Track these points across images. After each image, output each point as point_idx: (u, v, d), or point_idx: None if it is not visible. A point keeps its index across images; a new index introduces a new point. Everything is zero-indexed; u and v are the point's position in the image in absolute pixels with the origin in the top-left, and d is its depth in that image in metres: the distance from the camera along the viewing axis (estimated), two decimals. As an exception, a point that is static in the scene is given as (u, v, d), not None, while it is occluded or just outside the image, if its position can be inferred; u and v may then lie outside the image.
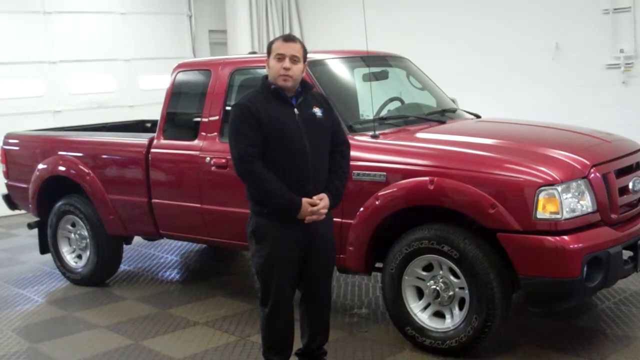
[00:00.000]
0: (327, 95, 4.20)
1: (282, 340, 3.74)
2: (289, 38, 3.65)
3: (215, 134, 5.10)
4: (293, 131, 3.54)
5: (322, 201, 3.57)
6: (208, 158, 5.04)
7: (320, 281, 3.77)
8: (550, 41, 8.37)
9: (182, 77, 5.55)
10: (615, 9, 7.91)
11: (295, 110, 3.59)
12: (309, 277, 3.71)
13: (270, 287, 3.62)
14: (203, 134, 5.16)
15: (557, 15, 8.37)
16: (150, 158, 5.45)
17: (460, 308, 4.07)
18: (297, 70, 3.57)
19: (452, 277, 4.07)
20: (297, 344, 3.84)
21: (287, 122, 3.55)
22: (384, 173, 4.25)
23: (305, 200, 3.52)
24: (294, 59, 3.55)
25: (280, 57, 3.54)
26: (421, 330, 4.18)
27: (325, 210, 3.59)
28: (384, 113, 4.88)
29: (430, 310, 4.20)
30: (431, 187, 4.02)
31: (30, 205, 6.37)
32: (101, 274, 6.02)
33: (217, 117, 5.11)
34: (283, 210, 3.52)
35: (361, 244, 4.34)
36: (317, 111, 3.65)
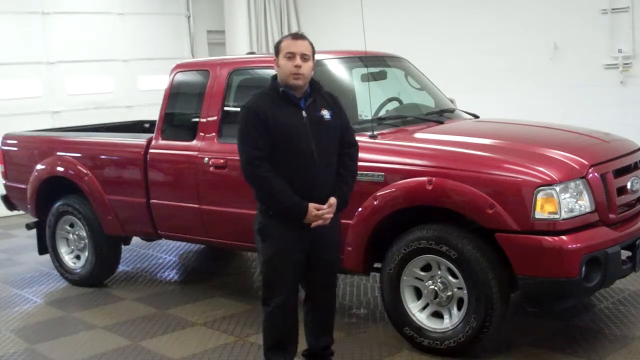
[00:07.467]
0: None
1: (284, 340, 3.71)
2: (297, 36, 3.61)
3: (214, 134, 5.09)
4: (300, 134, 3.50)
5: (329, 207, 3.54)
6: (206, 158, 5.03)
7: (325, 282, 3.76)
8: (549, 41, 8.37)
9: (180, 77, 5.54)
10: (613, 9, 7.91)
11: (304, 112, 3.55)
12: (313, 278, 3.71)
13: (274, 286, 3.62)
14: (201, 134, 5.16)
15: (556, 15, 8.37)
16: (148, 158, 5.44)
17: (459, 308, 4.07)
18: (308, 68, 3.54)
19: (450, 277, 4.07)
20: (302, 344, 3.84)
21: (294, 125, 3.51)
22: (382, 173, 4.25)
23: (311, 205, 3.50)
24: (304, 57, 3.52)
25: (291, 56, 3.51)
26: (419, 330, 4.18)
27: (331, 215, 3.57)
28: (382, 113, 4.89)
29: (428, 310, 4.20)
30: (429, 188, 4.02)
31: (28, 206, 6.36)
32: (99, 275, 6.02)
33: (215, 118, 5.11)
34: (289, 214, 3.51)
35: (359, 244, 4.34)
36: (326, 113, 3.61)
